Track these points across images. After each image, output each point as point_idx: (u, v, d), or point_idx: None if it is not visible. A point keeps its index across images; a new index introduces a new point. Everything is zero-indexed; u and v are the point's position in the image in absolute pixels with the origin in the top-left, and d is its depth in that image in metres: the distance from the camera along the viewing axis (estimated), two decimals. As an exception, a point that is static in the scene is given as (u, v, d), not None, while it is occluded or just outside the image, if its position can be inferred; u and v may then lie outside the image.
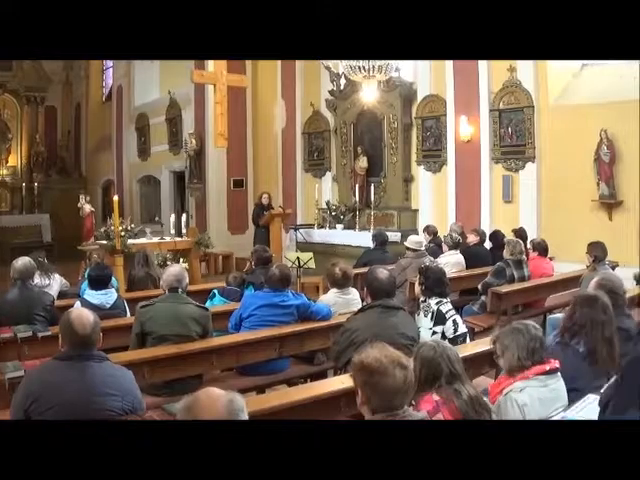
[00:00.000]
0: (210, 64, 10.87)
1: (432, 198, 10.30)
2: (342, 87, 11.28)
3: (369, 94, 8.66)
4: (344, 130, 11.52)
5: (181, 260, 9.24)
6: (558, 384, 2.90)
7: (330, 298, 4.94)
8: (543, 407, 2.78)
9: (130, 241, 8.43)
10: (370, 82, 8.14)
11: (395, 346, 2.37)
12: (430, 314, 4.24)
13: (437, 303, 4.27)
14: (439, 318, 4.22)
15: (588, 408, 2.77)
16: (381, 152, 10.89)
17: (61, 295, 5.93)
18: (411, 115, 10.49)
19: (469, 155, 9.53)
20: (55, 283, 5.98)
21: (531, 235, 7.90)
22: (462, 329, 4.29)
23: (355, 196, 10.79)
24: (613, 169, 8.11)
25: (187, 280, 4.51)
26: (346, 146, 11.50)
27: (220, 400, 1.79)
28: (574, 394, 2.94)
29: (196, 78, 10.13)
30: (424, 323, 4.24)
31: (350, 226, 10.80)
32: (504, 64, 8.98)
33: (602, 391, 2.60)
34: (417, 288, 4.46)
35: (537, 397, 2.79)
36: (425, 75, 10.23)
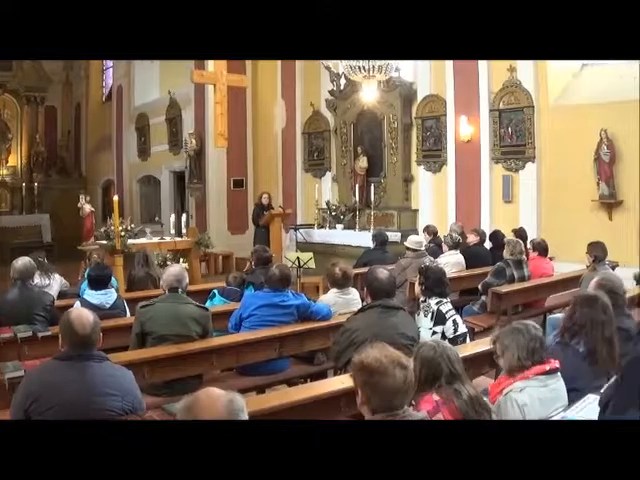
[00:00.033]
0: (210, 64, 10.86)
1: (432, 198, 10.29)
2: (342, 87, 11.26)
3: (369, 94, 8.65)
4: (344, 130, 11.51)
5: (181, 260, 9.23)
6: (558, 384, 2.90)
7: (330, 298, 4.94)
8: (543, 407, 2.78)
9: (130, 241, 8.43)
10: (370, 82, 8.14)
11: (395, 346, 2.37)
12: (430, 314, 4.24)
13: (437, 303, 4.27)
14: (439, 318, 4.22)
15: (588, 408, 2.77)
16: (381, 152, 10.89)
17: (61, 295, 5.93)
18: (411, 115, 10.48)
19: (469, 155, 9.53)
20: (55, 283, 5.97)
21: (531, 235, 7.90)
22: (462, 329, 4.29)
23: (355, 196, 10.78)
24: (613, 169, 8.11)
25: (187, 280, 4.52)
26: (346, 146, 11.50)
27: (220, 400, 1.79)
28: (574, 394, 2.94)
29: (196, 78, 10.13)
30: (424, 323, 4.25)
31: (350, 226, 10.79)
32: (504, 64, 8.98)
33: (602, 391, 2.60)
34: (417, 288, 4.46)
35: (537, 397, 2.79)
36: (425, 75, 10.22)
